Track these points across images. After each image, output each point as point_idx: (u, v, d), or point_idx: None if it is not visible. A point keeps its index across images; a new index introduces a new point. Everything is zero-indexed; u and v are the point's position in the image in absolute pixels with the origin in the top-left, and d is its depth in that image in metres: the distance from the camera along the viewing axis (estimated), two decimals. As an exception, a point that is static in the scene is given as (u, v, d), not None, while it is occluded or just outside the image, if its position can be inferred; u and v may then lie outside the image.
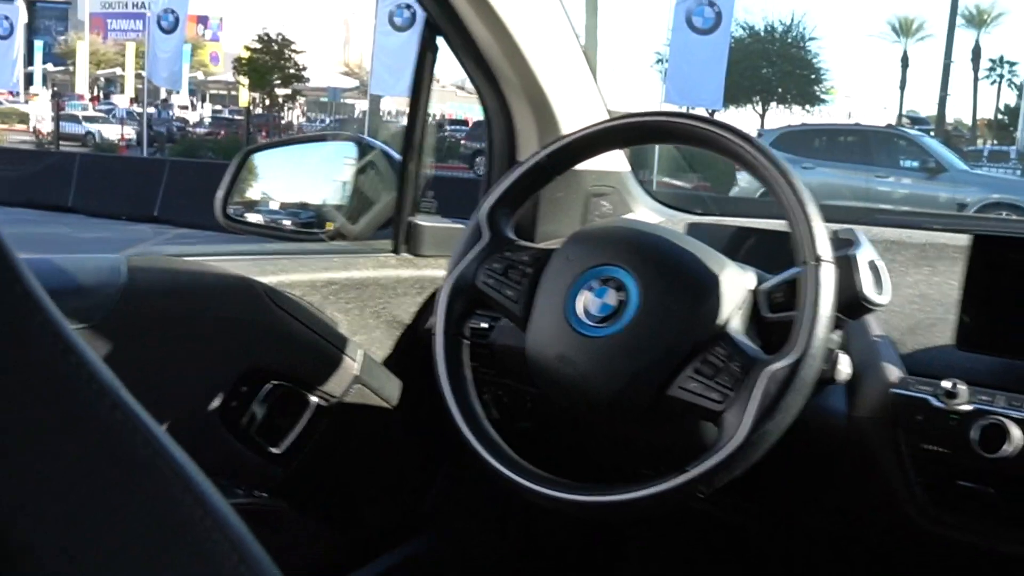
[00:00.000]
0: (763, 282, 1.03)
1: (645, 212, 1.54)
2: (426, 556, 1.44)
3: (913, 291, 1.27)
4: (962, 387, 1.02)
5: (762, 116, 29.99)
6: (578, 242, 1.07)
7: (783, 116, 30.36)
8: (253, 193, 1.64)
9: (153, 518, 0.34)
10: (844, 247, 0.99)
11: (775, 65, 28.99)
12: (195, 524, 0.34)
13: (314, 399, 1.29)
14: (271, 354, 1.26)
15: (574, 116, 1.41)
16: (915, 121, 25.60)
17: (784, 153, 11.41)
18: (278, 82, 30.44)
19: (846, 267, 0.97)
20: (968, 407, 1.02)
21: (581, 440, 1.32)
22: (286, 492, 1.27)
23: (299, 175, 1.66)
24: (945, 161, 11.41)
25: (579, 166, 1.42)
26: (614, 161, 1.51)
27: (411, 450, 1.44)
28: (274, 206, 1.63)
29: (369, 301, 1.39)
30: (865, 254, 0.99)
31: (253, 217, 1.59)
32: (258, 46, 30.66)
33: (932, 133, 19.36)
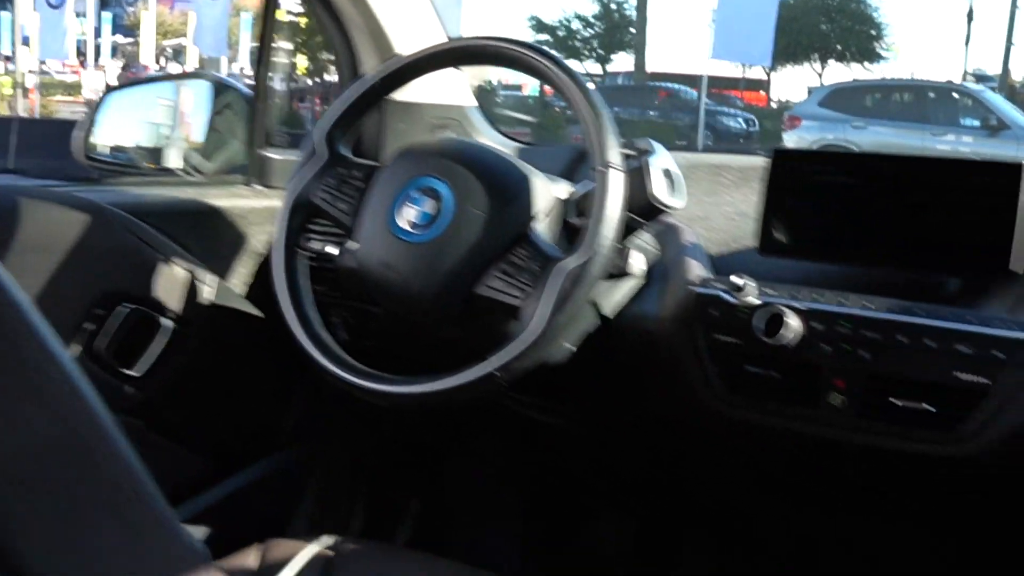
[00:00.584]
0: (573, 192, 1.14)
1: (488, 143, 1.63)
2: (285, 472, 1.52)
3: (732, 208, 1.39)
4: (750, 283, 1.14)
5: (820, 74, 28.33)
6: (403, 156, 1.15)
7: (843, 74, 28.56)
8: (113, 132, 1.68)
9: None
10: (640, 155, 1.09)
11: (834, 21, 27.21)
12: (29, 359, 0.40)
13: (169, 323, 1.34)
14: (126, 279, 1.31)
15: (412, 45, 1.48)
16: (980, 79, 22.69)
17: (834, 112, 10.84)
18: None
19: (639, 173, 1.07)
20: (755, 300, 1.14)
21: (414, 348, 1.41)
22: (142, 413, 1.33)
23: (158, 114, 1.70)
24: (1008, 118, 10.62)
25: (421, 99, 1.51)
26: (459, 95, 1.59)
27: (267, 371, 1.51)
28: (132, 144, 1.68)
29: (223, 230, 1.45)
30: (659, 161, 1.09)
31: (112, 156, 1.64)
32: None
33: (996, 88, 17.38)
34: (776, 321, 1.13)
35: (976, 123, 10.58)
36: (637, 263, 1.09)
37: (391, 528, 1.66)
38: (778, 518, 1.36)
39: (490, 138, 1.63)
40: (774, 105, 24.04)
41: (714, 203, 1.41)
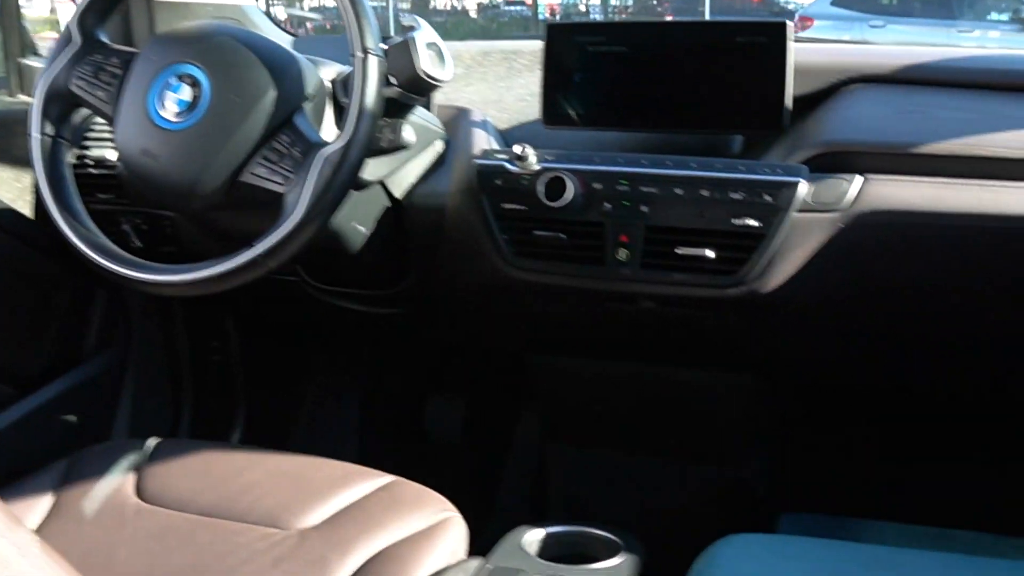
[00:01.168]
0: (340, 73, 1.12)
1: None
2: (93, 382, 1.46)
3: (524, 91, 1.39)
4: (530, 150, 1.15)
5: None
6: (158, 42, 1.10)
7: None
8: None
9: None
10: (405, 32, 1.08)
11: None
12: None
13: None
14: None
15: None
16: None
17: (849, 10, 9.70)
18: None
19: (406, 49, 1.06)
20: (536, 167, 1.15)
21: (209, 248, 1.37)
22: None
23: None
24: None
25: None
26: None
27: (60, 284, 1.44)
28: None
29: None
30: (423, 36, 1.08)
31: None
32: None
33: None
34: (558, 185, 1.14)
35: (1005, 17, 9.99)
36: (408, 135, 1.08)
37: (223, 430, 1.64)
38: (593, 376, 1.40)
39: (266, 32, 1.57)
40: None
41: (507, 87, 1.42)
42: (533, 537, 1.05)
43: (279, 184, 1.01)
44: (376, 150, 1.10)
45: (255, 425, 1.66)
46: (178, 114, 1.04)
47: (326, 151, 0.99)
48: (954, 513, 1.40)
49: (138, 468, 1.14)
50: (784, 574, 0.89)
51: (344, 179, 0.99)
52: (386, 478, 1.10)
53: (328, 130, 1.12)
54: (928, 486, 1.52)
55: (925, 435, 1.53)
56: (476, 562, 1.00)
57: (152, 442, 1.18)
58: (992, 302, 1.15)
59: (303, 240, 0.99)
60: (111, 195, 1.36)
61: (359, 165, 1.01)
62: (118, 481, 1.11)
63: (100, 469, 1.13)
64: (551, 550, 1.05)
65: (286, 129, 1.03)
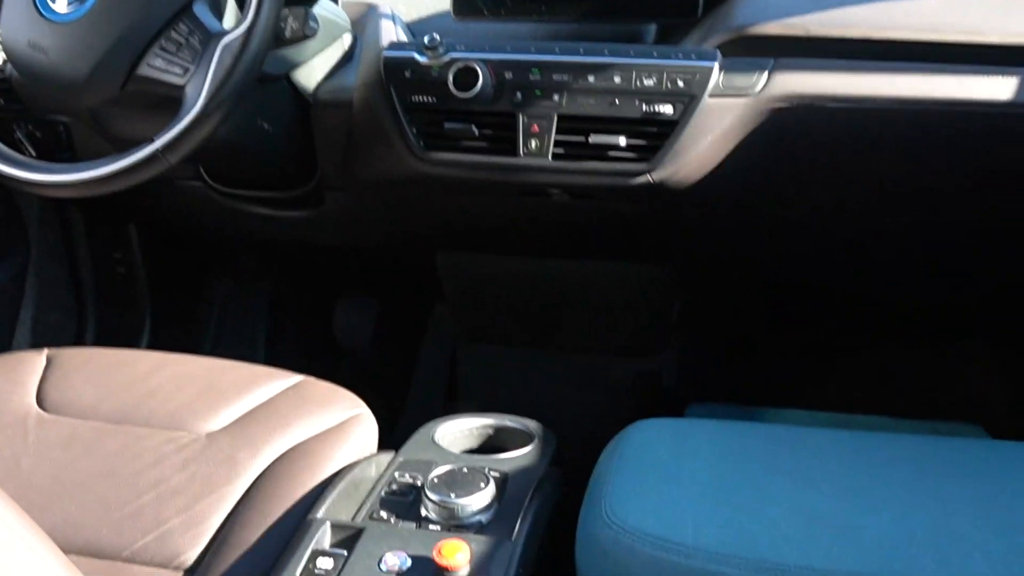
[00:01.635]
0: None
1: None
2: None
3: None
4: (438, 41, 1.10)
5: None
6: None
7: None
8: None
9: None
10: None
11: None
12: None
13: None
14: None
15: None
16: None
17: None
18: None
19: None
20: (446, 57, 1.11)
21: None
22: None
23: None
24: None
25: None
26: None
27: None
28: None
29: None
30: None
31: None
32: None
33: None
34: (468, 75, 1.10)
35: None
36: (313, 25, 1.05)
37: (129, 340, 1.60)
38: (506, 273, 1.39)
39: None
40: None
41: None
42: (444, 430, 1.04)
43: (178, 76, 0.97)
44: (280, 40, 1.06)
45: (162, 334, 1.62)
46: (68, 3, 0.99)
47: (226, 40, 0.95)
48: (857, 401, 1.43)
49: (39, 378, 1.10)
50: (690, 454, 0.90)
51: (246, 68, 0.95)
52: (295, 378, 1.08)
53: (230, 20, 1.07)
54: (835, 376, 1.54)
55: (833, 327, 1.55)
56: (387, 456, 0.99)
57: (53, 352, 1.14)
58: (902, 190, 1.15)
59: (204, 132, 0.95)
60: (2, 100, 1.29)
61: (261, 54, 0.96)
62: (18, 392, 1.08)
63: None
64: (463, 442, 1.05)
65: (184, 17, 0.98)
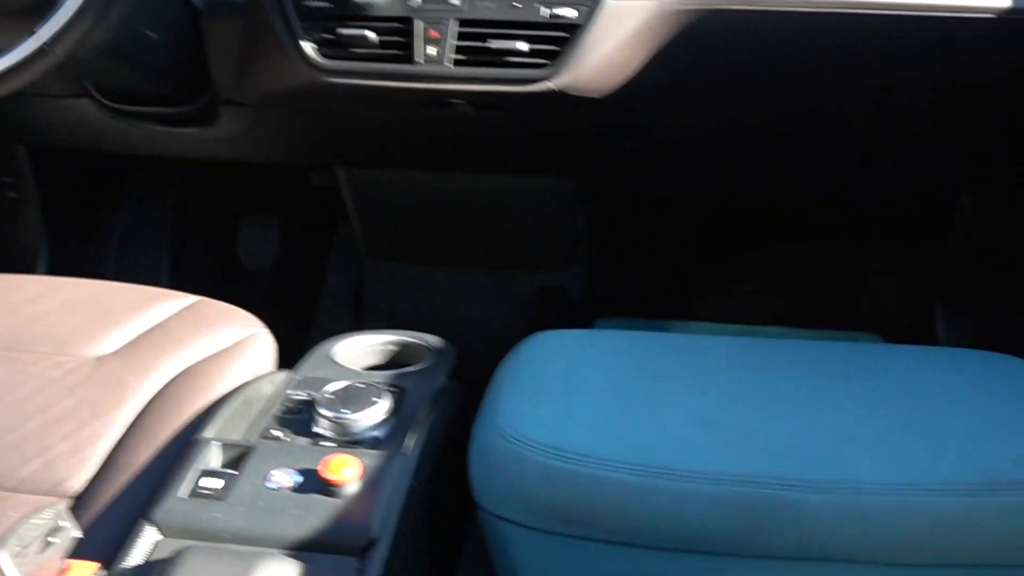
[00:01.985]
0: None
1: None
2: None
3: None
4: None
5: None
6: None
7: None
8: None
9: None
10: None
11: None
12: None
13: None
14: None
15: None
16: None
17: None
18: None
19: None
20: None
21: None
22: None
23: None
24: None
25: None
26: None
27: None
28: None
29: None
30: None
31: None
32: None
33: None
34: None
35: None
36: None
37: (25, 267, 1.54)
38: (410, 187, 1.35)
39: None
40: None
41: None
42: (343, 347, 1.01)
43: None
44: None
45: (60, 260, 1.55)
46: None
47: None
48: (762, 313, 1.43)
49: None
50: (588, 363, 0.89)
51: None
52: (189, 299, 1.05)
53: None
54: (740, 289, 1.55)
55: (738, 240, 1.55)
56: (282, 374, 0.97)
57: None
58: (805, 100, 1.14)
59: (91, 19, 0.89)
60: None
61: None
62: None
63: None
64: (363, 359, 1.02)
65: None
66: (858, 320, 1.47)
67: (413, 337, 1.02)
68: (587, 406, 0.82)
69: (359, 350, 1.03)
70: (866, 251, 1.53)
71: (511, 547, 0.81)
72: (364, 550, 0.76)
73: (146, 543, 0.77)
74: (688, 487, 0.75)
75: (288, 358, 1.03)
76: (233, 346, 0.99)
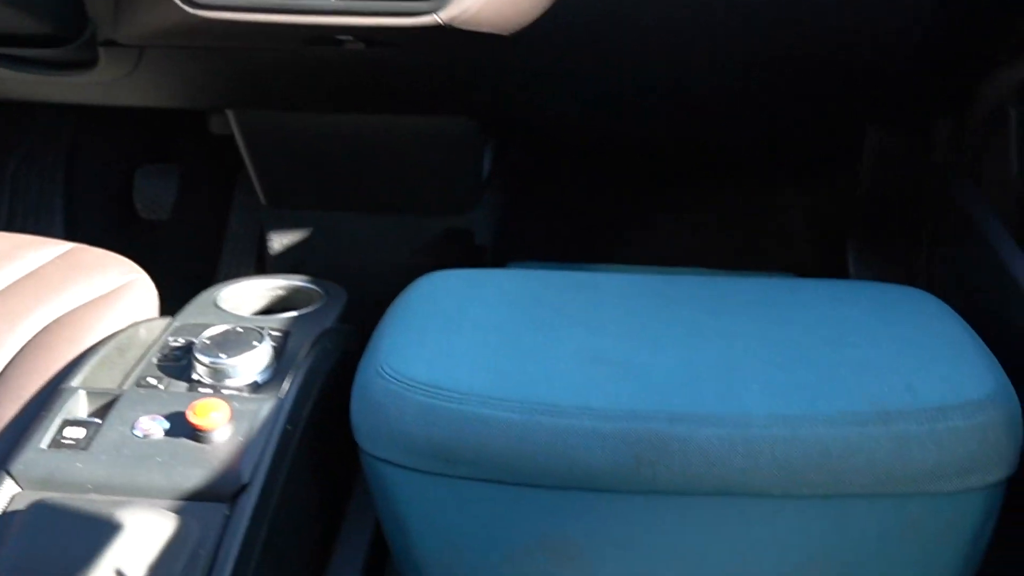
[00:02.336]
0: None
1: None
2: None
3: None
4: None
5: None
6: None
7: None
8: None
9: None
10: None
11: None
12: None
13: None
14: None
15: None
16: None
17: None
18: None
19: None
20: None
21: None
22: None
23: None
24: None
25: None
26: None
27: None
28: None
29: None
30: None
31: None
32: None
33: None
34: None
35: None
36: None
37: None
38: (307, 131, 1.29)
39: None
40: None
41: None
42: (228, 293, 0.97)
43: None
44: None
45: None
46: None
47: None
48: (676, 256, 1.41)
49: None
50: (477, 302, 0.85)
51: None
52: (65, 245, 0.99)
53: None
54: (654, 232, 1.52)
55: (650, 181, 1.52)
56: (161, 321, 0.92)
57: None
58: (703, 38, 1.10)
59: None
60: None
61: None
62: None
63: None
64: (250, 306, 0.98)
65: None
66: (773, 260, 1.45)
67: (301, 281, 0.98)
68: (471, 344, 0.79)
69: (246, 296, 0.98)
70: (779, 190, 1.51)
71: (393, 490, 0.78)
72: (235, 496, 0.72)
73: (2, 496, 0.72)
74: (572, 423, 0.73)
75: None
76: (110, 293, 0.94)
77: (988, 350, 0.82)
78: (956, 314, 0.87)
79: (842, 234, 1.34)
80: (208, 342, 0.84)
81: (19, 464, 0.74)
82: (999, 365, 0.80)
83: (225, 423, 0.75)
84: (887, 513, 0.76)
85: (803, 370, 0.77)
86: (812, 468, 0.73)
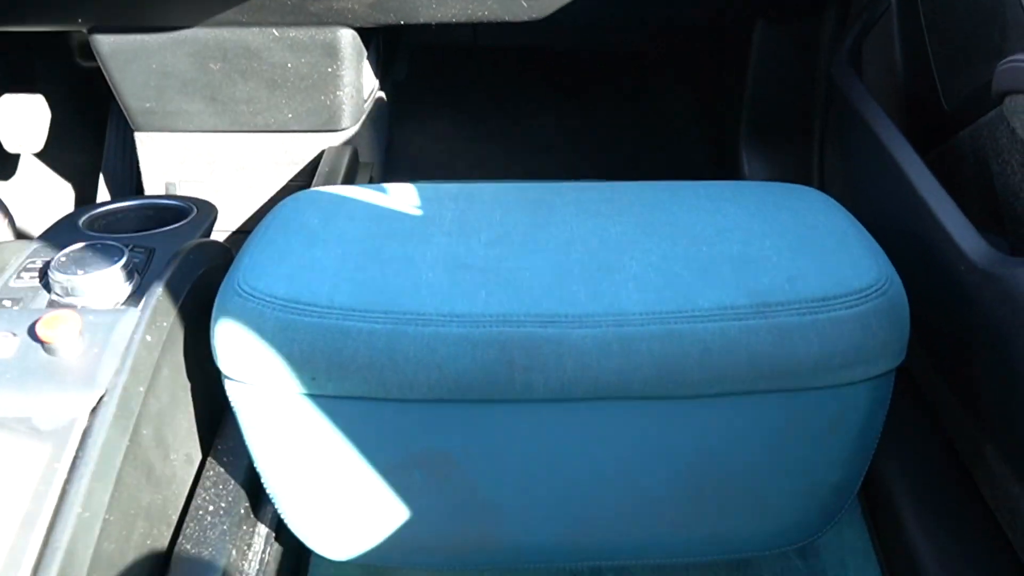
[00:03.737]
0: None
1: None
2: None
3: None
4: None
5: None
6: None
7: None
8: None
9: None
10: None
11: None
12: None
13: None
14: None
15: None
16: None
17: None
18: None
19: None
20: None
21: None
22: None
23: None
24: None
25: None
26: None
27: None
28: None
29: None
30: None
31: None
32: None
33: None
34: None
35: None
36: None
37: None
38: (176, 49, 1.22)
39: None
40: None
41: None
42: (93, 216, 0.92)
43: None
44: None
45: None
46: None
47: None
48: (570, 169, 1.38)
49: None
50: (344, 217, 0.81)
51: None
52: None
53: None
54: (544, 146, 1.48)
55: (543, 96, 1.48)
56: (20, 243, 0.87)
57: None
58: None
59: None
60: None
61: None
62: None
63: None
64: (117, 227, 0.93)
65: None
66: (670, 168, 1.42)
67: (169, 200, 0.93)
68: (335, 258, 0.75)
69: (111, 218, 0.93)
70: (677, 98, 1.47)
71: (256, 412, 0.74)
72: (94, 410, 0.68)
73: None
74: (439, 331, 0.69)
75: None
76: (-40, 224, 0.88)
77: (875, 242, 0.79)
78: (843, 208, 0.84)
79: (736, 136, 1.31)
80: (65, 260, 0.79)
81: None
82: (886, 257, 0.77)
83: (76, 336, 0.70)
84: (772, 410, 0.74)
85: (681, 267, 0.75)
86: (693, 366, 0.70)
